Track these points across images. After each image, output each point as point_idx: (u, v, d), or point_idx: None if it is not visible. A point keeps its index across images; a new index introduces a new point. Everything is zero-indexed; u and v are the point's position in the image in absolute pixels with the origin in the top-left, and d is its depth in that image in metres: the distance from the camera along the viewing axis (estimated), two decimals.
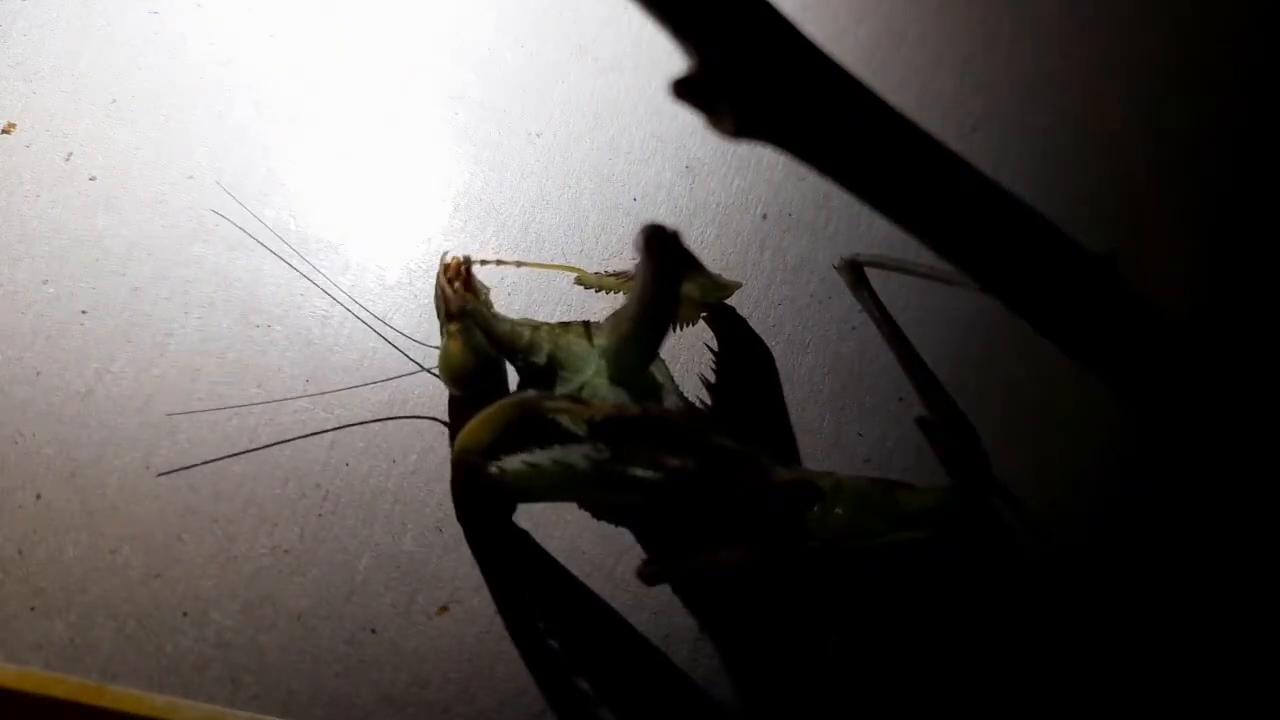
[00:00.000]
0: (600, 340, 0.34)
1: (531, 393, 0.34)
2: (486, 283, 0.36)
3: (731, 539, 0.33)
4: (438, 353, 0.35)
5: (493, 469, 0.32)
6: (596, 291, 0.39)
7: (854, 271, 0.39)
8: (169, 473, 0.35)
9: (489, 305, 0.35)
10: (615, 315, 0.33)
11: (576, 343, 0.35)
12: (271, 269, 0.38)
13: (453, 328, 0.34)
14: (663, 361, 0.35)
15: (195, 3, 0.43)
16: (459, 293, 0.34)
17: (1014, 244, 0.25)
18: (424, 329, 0.38)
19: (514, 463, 0.32)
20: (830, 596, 0.35)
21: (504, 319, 0.35)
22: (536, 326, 0.35)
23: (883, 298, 0.39)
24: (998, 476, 0.36)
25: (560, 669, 0.34)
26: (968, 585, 0.36)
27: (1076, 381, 0.30)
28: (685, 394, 0.36)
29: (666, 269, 0.29)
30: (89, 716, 0.31)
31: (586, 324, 0.35)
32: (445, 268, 0.35)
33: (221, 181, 0.39)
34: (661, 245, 0.28)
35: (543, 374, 0.35)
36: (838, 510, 0.33)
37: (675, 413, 0.34)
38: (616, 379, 0.33)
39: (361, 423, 0.36)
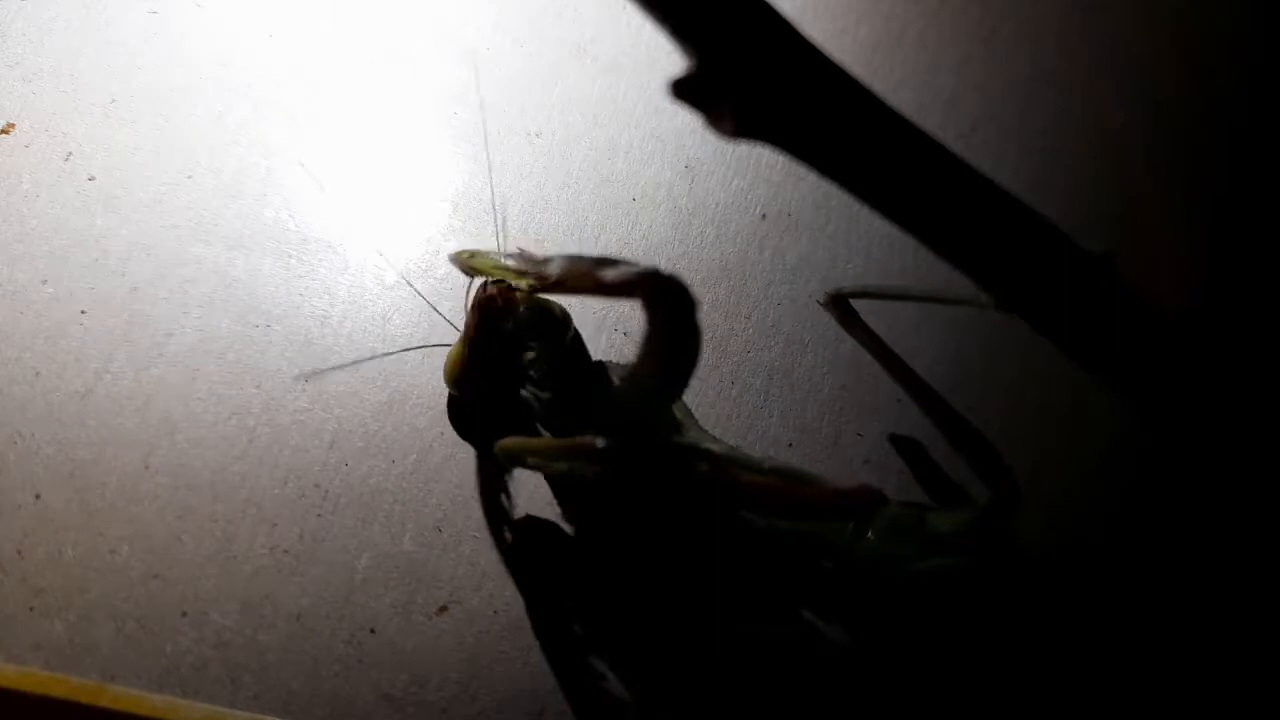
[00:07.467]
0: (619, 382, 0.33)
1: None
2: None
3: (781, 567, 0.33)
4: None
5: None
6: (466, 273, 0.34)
7: (841, 306, 0.37)
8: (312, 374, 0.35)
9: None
10: (634, 364, 0.30)
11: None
12: (270, 269, 0.38)
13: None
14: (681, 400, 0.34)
15: (195, 3, 0.43)
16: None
17: (1013, 244, 0.25)
18: (424, 329, 0.38)
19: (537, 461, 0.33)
20: (863, 621, 0.34)
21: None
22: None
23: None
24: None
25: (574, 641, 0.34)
26: (990, 598, 0.34)
27: (1076, 381, 0.30)
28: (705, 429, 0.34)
29: (679, 318, 0.27)
30: (89, 716, 0.31)
31: (602, 363, 0.35)
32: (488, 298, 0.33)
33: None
34: (669, 295, 0.26)
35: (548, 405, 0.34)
36: (870, 536, 0.31)
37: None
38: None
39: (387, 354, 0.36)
